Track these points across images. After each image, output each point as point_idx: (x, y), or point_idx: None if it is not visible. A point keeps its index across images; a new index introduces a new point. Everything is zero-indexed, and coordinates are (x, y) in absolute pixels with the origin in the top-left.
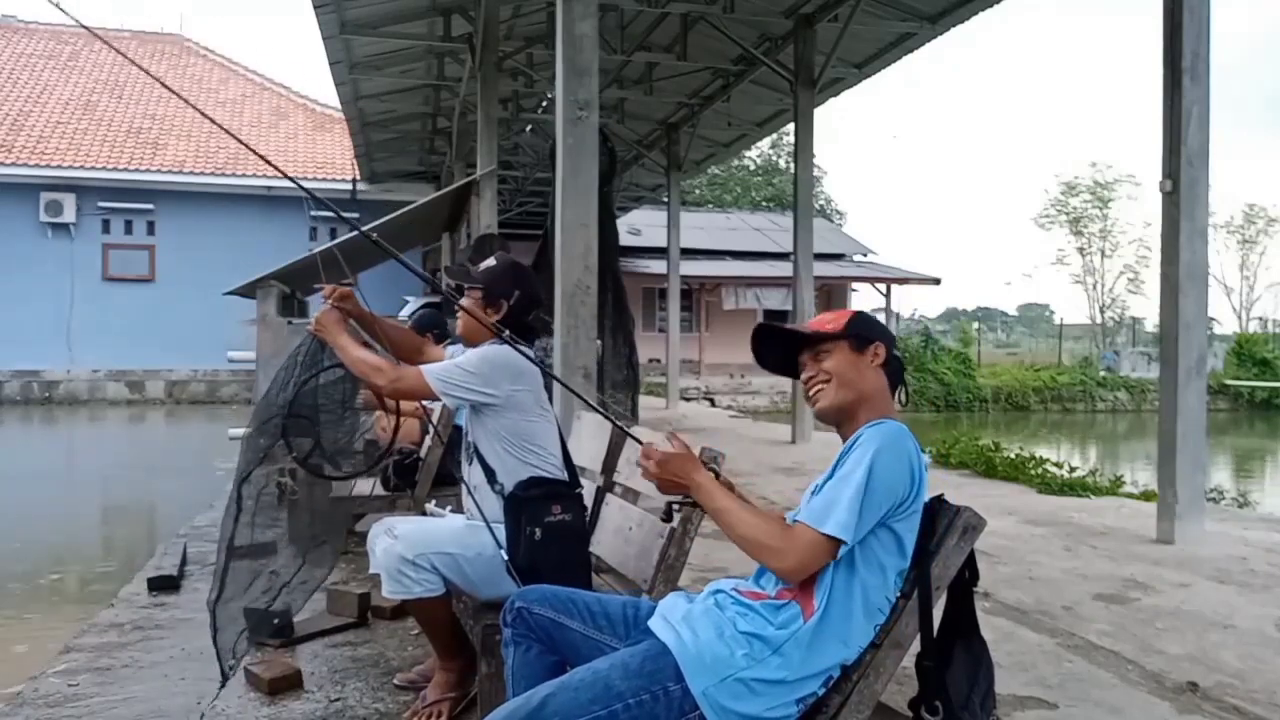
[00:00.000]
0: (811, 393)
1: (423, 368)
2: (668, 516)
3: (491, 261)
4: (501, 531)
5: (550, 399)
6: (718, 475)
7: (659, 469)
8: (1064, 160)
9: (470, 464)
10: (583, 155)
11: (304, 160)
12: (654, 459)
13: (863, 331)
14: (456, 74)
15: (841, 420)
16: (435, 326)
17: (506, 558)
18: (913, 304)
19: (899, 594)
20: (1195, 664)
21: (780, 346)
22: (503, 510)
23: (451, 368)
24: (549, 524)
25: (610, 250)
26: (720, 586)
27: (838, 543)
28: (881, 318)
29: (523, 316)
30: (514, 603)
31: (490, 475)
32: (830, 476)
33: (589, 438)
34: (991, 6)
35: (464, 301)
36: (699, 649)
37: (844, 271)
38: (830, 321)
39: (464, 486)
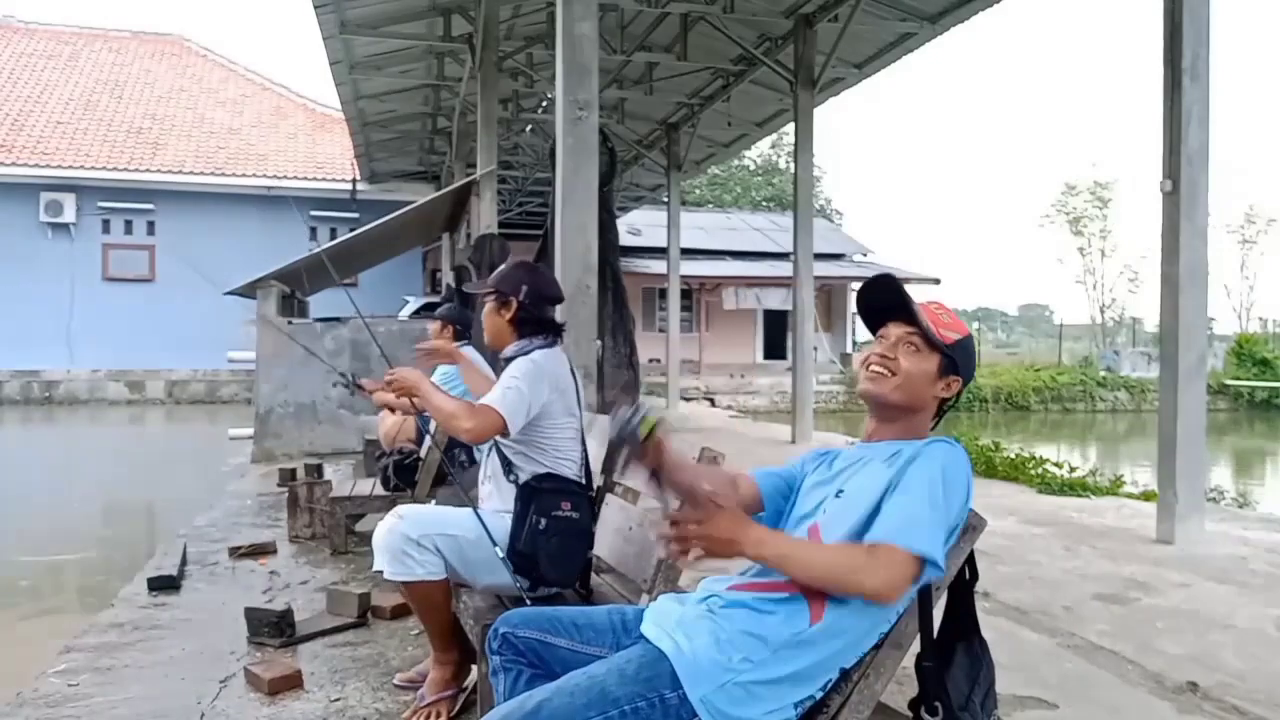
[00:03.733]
0: (871, 370)
1: (492, 404)
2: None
3: (503, 266)
4: (497, 524)
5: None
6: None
7: (705, 536)
8: (1064, 160)
9: (488, 455)
10: (583, 155)
11: (304, 160)
12: (692, 525)
13: (957, 358)
14: (456, 74)
15: (879, 412)
16: (459, 321)
17: (502, 551)
18: None
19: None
20: (1195, 664)
21: (884, 299)
22: (515, 497)
23: (511, 396)
24: (556, 517)
25: (610, 250)
26: (712, 589)
27: (923, 563)
28: None
29: (536, 312)
30: (498, 629)
31: (508, 466)
32: (892, 488)
33: (589, 437)
34: (991, 6)
35: (484, 311)
36: (695, 655)
37: (844, 271)
38: (947, 326)
39: (481, 472)
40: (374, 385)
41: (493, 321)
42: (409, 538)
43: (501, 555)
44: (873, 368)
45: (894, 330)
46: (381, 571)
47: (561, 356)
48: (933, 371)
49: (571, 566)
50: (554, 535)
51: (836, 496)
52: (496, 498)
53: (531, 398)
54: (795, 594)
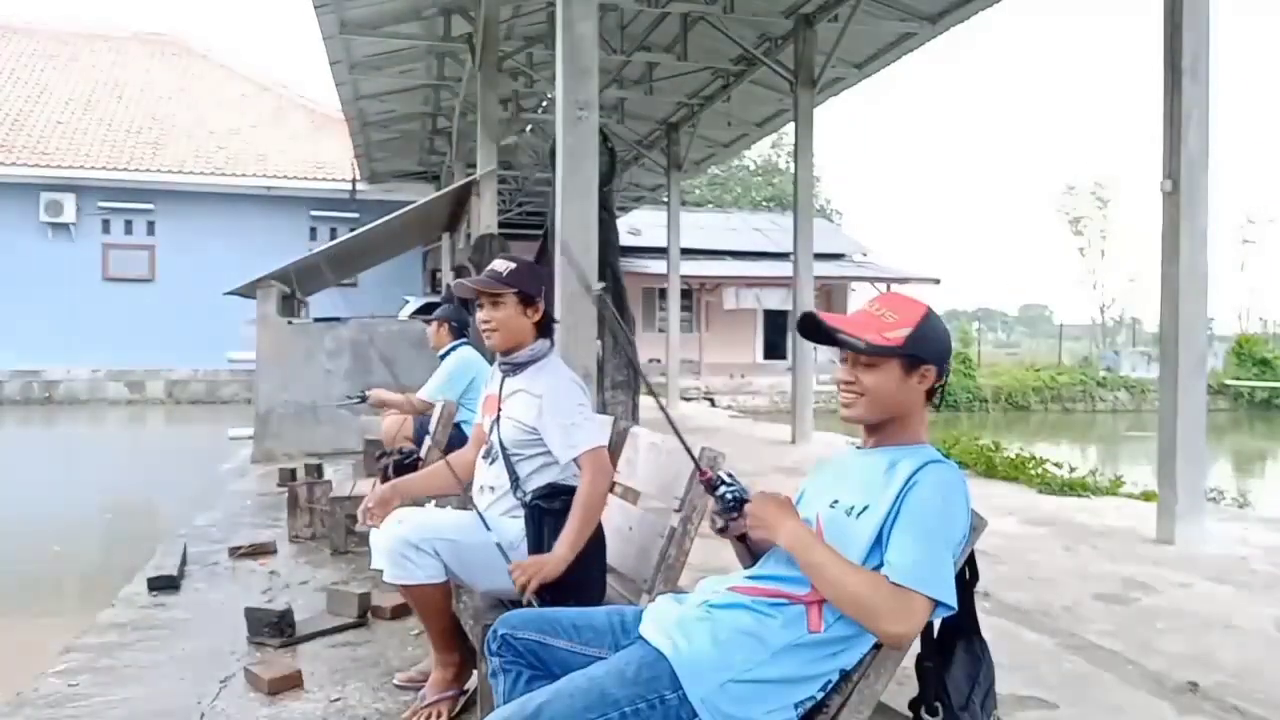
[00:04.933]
0: (843, 400)
1: (595, 446)
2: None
3: (506, 263)
4: (501, 527)
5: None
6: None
7: (754, 511)
8: (1065, 160)
9: (492, 463)
10: (583, 155)
11: (304, 160)
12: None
13: (919, 351)
14: (456, 74)
15: (867, 428)
16: (455, 320)
17: (497, 536)
18: None
19: None
20: (1195, 664)
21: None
22: (524, 517)
23: (584, 421)
24: None
25: (610, 250)
26: (711, 590)
27: (937, 604)
28: None
29: (551, 313)
30: (497, 630)
31: (515, 480)
32: (894, 516)
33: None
34: (991, 6)
35: (502, 311)
36: (694, 655)
37: (844, 271)
38: (891, 326)
39: (478, 480)
40: (378, 396)
41: (517, 323)
42: (408, 541)
43: (498, 540)
44: (842, 395)
45: (849, 352)
46: (381, 571)
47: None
48: (897, 375)
49: (593, 584)
50: (575, 560)
51: (831, 506)
52: (498, 507)
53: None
54: (795, 603)
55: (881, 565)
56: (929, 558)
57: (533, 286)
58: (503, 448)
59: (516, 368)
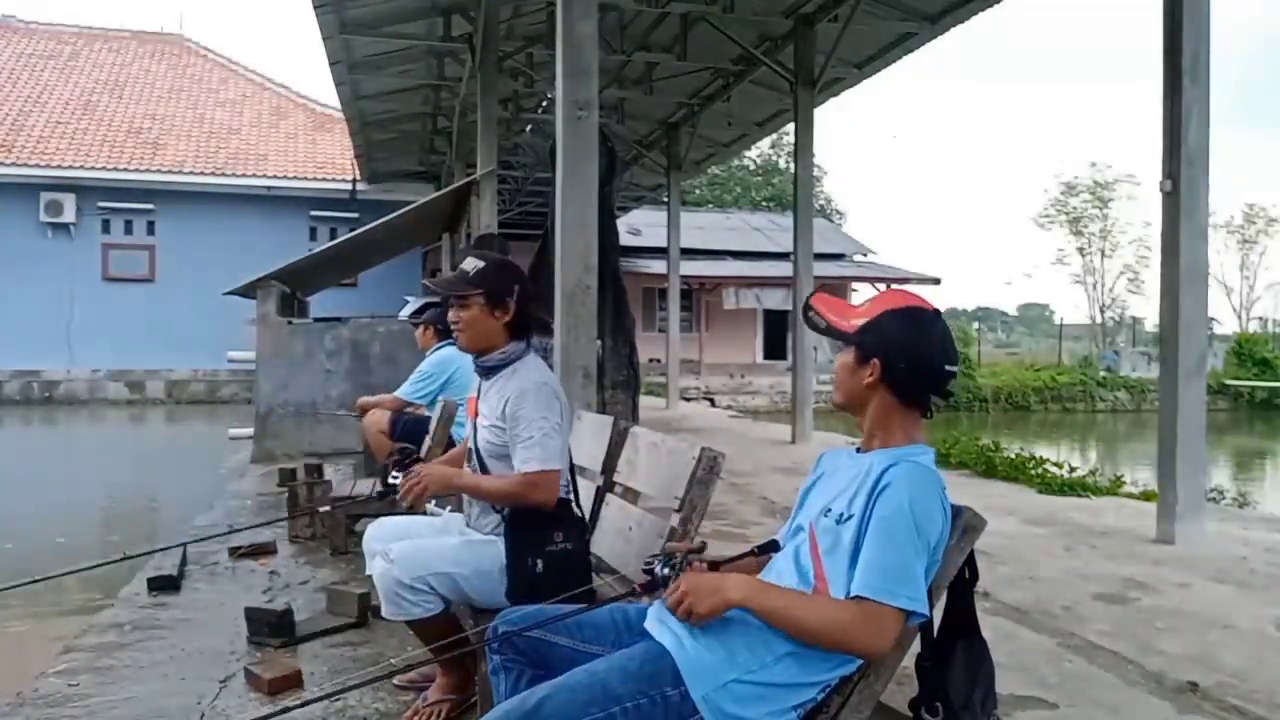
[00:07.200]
0: None
1: (542, 466)
2: (650, 585)
3: (475, 262)
4: (489, 552)
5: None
6: (676, 568)
7: (689, 605)
8: (1064, 160)
9: (474, 472)
10: (583, 155)
11: (304, 160)
12: (674, 600)
13: (863, 340)
14: (456, 74)
15: (864, 432)
16: (442, 322)
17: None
18: None
19: None
20: (1195, 664)
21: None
22: (502, 529)
23: (544, 437)
24: (550, 553)
25: (610, 250)
26: None
27: (909, 613)
28: None
29: (527, 313)
30: (498, 627)
31: None
32: (867, 523)
33: (589, 438)
34: (991, 6)
35: (469, 312)
36: (698, 653)
37: (844, 271)
38: (859, 314)
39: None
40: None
41: (485, 324)
42: (401, 582)
43: (495, 563)
44: None
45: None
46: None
47: (545, 363)
48: (851, 363)
49: (582, 586)
50: (552, 574)
51: (824, 514)
52: (485, 519)
53: (562, 429)
54: None
55: None
56: (895, 566)
57: (501, 286)
58: (479, 455)
59: (489, 371)
